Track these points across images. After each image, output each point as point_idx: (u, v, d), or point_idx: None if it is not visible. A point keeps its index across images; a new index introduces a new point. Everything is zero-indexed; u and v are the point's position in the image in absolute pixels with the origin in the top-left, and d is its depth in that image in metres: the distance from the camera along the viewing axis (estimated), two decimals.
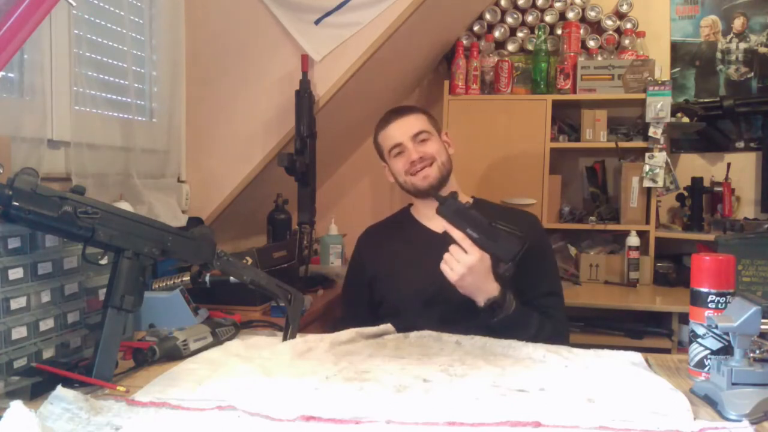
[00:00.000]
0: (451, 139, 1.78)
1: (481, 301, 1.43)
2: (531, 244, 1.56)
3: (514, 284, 1.57)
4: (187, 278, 1.54)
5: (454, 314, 1.50)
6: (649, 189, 2.73)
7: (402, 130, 1.66)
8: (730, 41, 2.91)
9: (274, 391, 1.00)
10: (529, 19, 2.96)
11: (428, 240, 1.67)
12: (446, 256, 1.42)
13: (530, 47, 2.93)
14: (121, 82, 1.91)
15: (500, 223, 1.43)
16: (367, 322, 1.43)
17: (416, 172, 1.64)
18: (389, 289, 1.66)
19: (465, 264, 1.39)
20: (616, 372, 1.09)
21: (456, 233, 1.42)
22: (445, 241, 1.55)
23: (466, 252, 1.40)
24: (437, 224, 1.65)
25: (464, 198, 1.74)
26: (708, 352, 1.05)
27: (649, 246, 2.73)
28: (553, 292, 1.65)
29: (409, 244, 1.69)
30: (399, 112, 1.71)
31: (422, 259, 1.61)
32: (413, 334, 1.37)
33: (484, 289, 1.42)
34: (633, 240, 2.70)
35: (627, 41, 2.87)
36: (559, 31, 2.93)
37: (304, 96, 2.16)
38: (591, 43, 2.92)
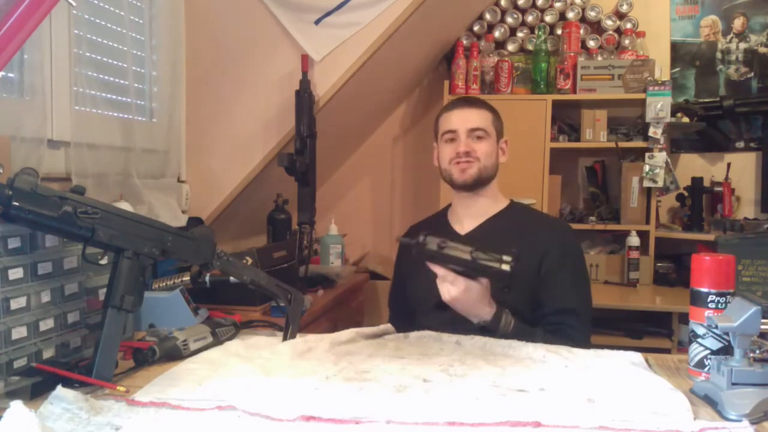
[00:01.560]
0: (510, 148, 1.73)
1: (474, 321, 1.43)
2: (547, 258, 1.55)
3: (533, 296, 1.55)
4: (187, 278, 1.55)
5: (465, 318, 1.48)
6: (649, 189, 2.74)
7: (462, 119, 1.62)
8: (730, 41, 2.91)
9: (274, 391, 0.99)
10: (529, 19, 2.96)
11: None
12: (438, 279, 1.39)
13: (530, 47, 2.93)
14: (121, 82, 1.91)
15: (481, 255, 1.37)
16: (409, 322, 1.44)
17: (458, 163, 1.61)
18: (411, 290, 1.66)
19: (450, 295, 1.37)
20: (616, 372, 1.09)
21: (437, 269, 1.38)
22: (467, 242, 1.52)
23: (451, 283, 1.37)
24: (464, 226, 1.66)
25: (502, 201, 1.70)
26: (708, 352, 1.05)
27: (649, 246, 2.74)
28: (568, 309, 1.55)
29: None
30: (468, 101, 1.68)
31: None
32: (413, 334, 1.37)
33: (475, 313, 1.41)
34: (633, 240, 2.70)
35: (627, 41, 2.88)
36: (559, 31, 2.93)
37: (304, 96, 2.17)
38: (591, 43, 2.92)
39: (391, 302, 1.83)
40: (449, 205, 1.76)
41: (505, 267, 1.35)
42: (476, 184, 1.62)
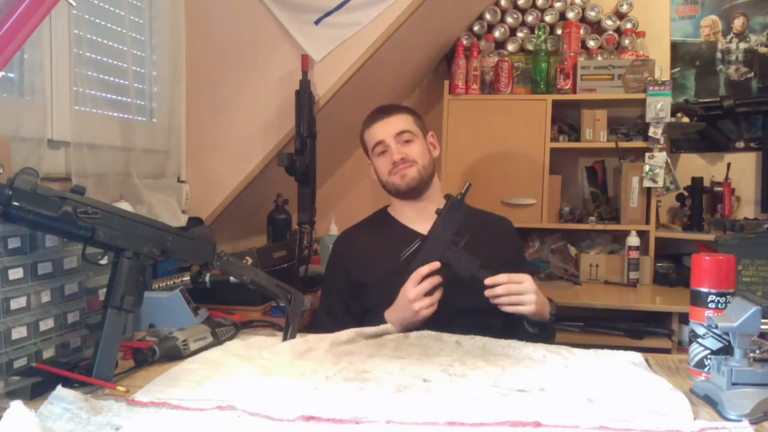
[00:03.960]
0: (437, 140, 1.79)
1: (546, 313, 1.47)
2: (509, 251, 1.66)
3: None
4: (187, 278, 1.55)
5: (446, 318, 1.49)
6: (649, 189, 2.74)
7: (385, 128, 1.67)
8: (730, 41, 2.91)
9: (274, 391, 1.00)
10: (529, 19, 2.96)
11: (413, 242, 1.60)
12: (505, 299, 1.41)
13: (530, 47, 2.93)
14: (121, 82, 1.91)
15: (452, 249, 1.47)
16: (348, 326, 1.40)
17: (397, 172, 1.65)
18: (379, 296, 1.56)
19: (532, 291, 1.40)
20: (616, 372, 1.10)
21: (500, 278, 1.41)
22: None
23: (519, 282, 1.41)
24: (421, 225, 1.65)
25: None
26: (708, 352, 1.05)
27: (649, 246, 2.73)
28: None
29: (394, 247, 1.61)
30: (385, 111, 1.71)
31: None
32: (413, 334, 1.37)
33: (544, 301, 1.46)
34: (633, 240, 2.70)
35: (627, 41, 2.87)
36: (559, 31, 2.93)
37: (304, 96, 2.16)
38: (591, 43, 2.92)
39: (330, 305, 1.70)
40: (384, 208, 1.79)
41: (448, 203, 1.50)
42: (420, 186, 1.66)
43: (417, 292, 1.42)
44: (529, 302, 1.39)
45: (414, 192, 1.66)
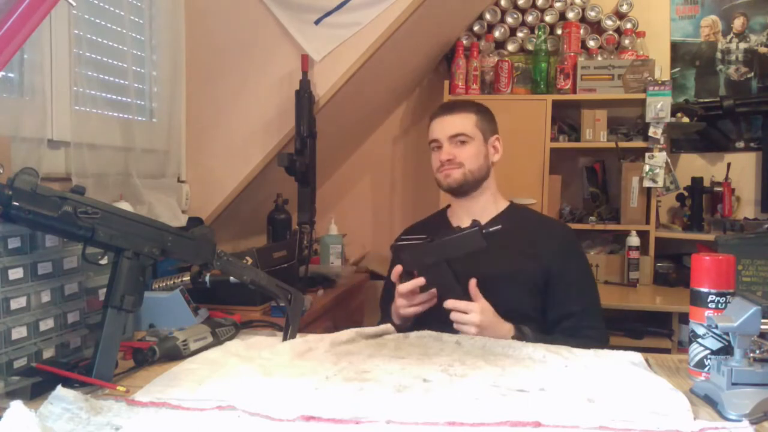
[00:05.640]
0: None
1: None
2: (552, 261, 1.56)
3: (541, 299, 1.57)
4: (187, 278, 1.55)
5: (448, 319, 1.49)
6: (649, 189, 2.74)
7: (442, 127, 1.65)
8: (730, 41, 2.91)
9: (274, 391, 0.99)
10: (529, 19, 2.96)
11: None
12: (455, 325, 1.42)
13: (530, 47, 2.93)
14: (121, 82, 1.91)
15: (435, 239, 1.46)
16: None
17: (442, 171, 1.65)
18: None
19: (472, 323, 1.39)
20: (616, 372, 1.09)
21: (447, 303, 1.41)
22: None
23: (463, 312, 1.40)
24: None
25: (502, 202, 1.72)
26: (708, 352, 1.05)
27: (649, 246, 2.74)
28: (581, 310, 1.56)
29: None
30: (448, 108, 1.69)
31: None
32: (413, 334, 1.37)
33: (501, 334, 1.42)
34: (633, 240, 2.70)
35: (627, 41, 2.88)
36: (559, 31, 2.93)
37: (304, 96, 2.16)
38: (591, 43, 2.92)
39: (385, 300, 1.77)
40: (449, 205, 1.78)
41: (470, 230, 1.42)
42: (463, 188, 1.65)
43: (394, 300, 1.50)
44: (467, 332, 1.39)
45: (456, 192, 1.66)
